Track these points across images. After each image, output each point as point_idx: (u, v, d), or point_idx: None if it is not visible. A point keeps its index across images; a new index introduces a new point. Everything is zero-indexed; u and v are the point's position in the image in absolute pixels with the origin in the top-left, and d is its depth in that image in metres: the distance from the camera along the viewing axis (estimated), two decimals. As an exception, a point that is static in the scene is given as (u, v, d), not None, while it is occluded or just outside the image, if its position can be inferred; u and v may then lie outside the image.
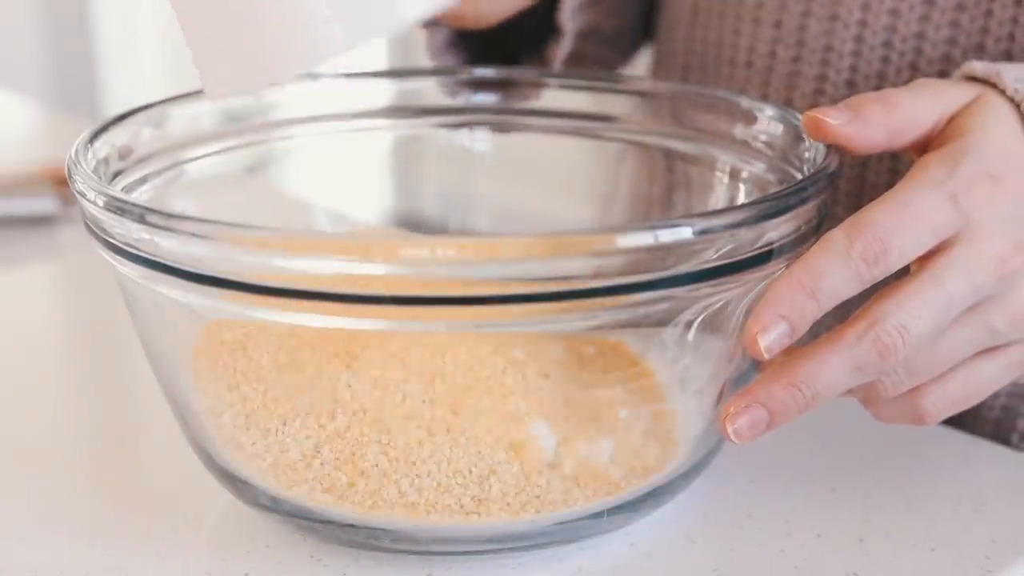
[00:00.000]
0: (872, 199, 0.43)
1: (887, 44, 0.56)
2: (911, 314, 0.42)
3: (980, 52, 0.56)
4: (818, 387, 0.42)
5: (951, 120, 0.46)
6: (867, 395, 0.45)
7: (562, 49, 0.66)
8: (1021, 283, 0.43)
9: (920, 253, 0.42)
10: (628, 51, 0.73)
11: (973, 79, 0.48)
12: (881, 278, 0.42)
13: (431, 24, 0.65)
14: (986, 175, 0.43)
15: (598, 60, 0.70)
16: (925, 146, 0.47)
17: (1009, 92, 0.47)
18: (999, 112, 0.46)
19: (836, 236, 0.42)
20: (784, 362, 0.43)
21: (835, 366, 0.42)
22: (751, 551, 0.46)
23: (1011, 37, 0.55)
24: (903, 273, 0.43)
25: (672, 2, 0.67)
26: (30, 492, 0.50)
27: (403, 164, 0.64)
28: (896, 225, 0.42)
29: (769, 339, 0.41)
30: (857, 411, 0.47)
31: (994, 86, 0.47)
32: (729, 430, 0.42)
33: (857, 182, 0.59)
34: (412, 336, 0.46)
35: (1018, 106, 0.46)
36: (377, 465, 0.43)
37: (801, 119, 0.47)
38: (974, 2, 0.56)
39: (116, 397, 0.59)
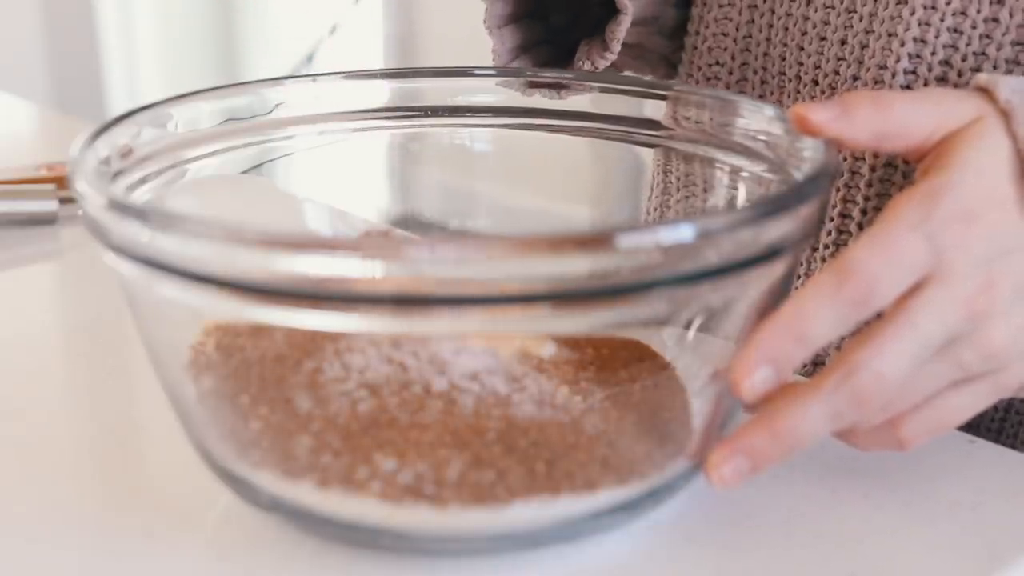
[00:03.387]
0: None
1: (946, 63, 0.55)
2: (886, 361, 0.42)
3: None
4: (797, 437, 0.43)
5: (946, 138, 0.46)
6: (844, 431, 0.46)
7: (620, 29, 0.62)
8: (989, 321, 0.44)
9: (899, 294, 0.43)
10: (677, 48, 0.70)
11: (981, 89, 0.48)
12: (864, 320, 0.43)
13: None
14: (962, 216, 0.44)
15: (655, 51, 0.69)
16: (919, 153, 0.47)
17: (1001, 103, 0.47)
18: (991, 143, 0.46)
19: (824, 280, 0.42)
20: (764, 413, 0.43)
21: (814, 417, 0.43)
22: (751, 551, 0.46)
23: None
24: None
25: (712, 14, 0.65)
26: (30, 492, 0.50)
27: (403, 164, 0.64)
28: (880, 267, 0.42)
29: (753, 383, 0.42)
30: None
31: (992, 96, 0.47)
32: (714, 477, 0.44)
33: (880, 184, 0.58)
34: (415, 334, 0.46)
35: (1008, 119, 0.46)
36: (378, 464, 0.43)
37: (788, 113, 0.48)
38: None
39: (116, 397, 0.59)
